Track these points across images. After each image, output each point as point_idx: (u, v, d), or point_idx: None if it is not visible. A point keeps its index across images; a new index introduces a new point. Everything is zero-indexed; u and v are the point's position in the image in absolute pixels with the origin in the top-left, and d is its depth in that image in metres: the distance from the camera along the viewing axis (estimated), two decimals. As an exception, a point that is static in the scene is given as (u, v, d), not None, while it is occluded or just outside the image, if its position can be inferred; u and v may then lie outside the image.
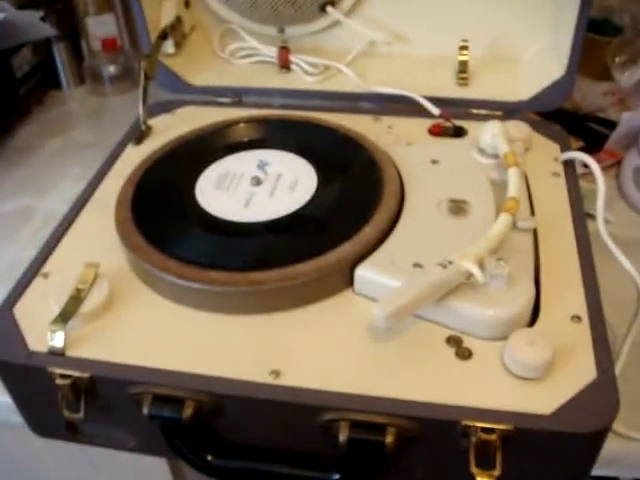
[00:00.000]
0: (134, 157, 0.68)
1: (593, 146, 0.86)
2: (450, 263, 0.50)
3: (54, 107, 1.03)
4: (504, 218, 0.53)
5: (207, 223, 0.57)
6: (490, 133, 0.62)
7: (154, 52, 0.73)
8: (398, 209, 0.58)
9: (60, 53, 1.04)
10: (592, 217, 0.62)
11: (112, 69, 1.03)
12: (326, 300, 0.53)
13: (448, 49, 0.78)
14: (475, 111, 0.74)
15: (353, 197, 0.59)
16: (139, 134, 0.72)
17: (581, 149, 0.84)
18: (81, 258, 0.56)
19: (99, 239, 0.60)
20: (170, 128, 0.73)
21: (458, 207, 0.58)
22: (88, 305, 0.52)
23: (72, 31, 1.03)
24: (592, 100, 0.91)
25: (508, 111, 0.74)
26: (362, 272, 0.53)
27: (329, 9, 0.78)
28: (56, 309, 0.52)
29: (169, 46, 0.78)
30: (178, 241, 0.56)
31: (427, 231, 0.56)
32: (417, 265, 0.52)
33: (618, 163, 0.83)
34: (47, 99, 1.05)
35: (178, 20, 0.79)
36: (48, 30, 0.96)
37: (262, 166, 0.63)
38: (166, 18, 0.78)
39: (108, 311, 0.53)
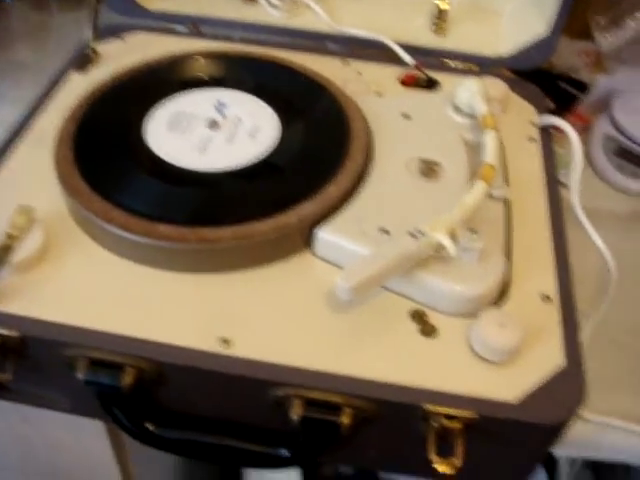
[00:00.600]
0: (78, 86, 0.62)
1: (562, 107, 0.83)
2: (421, 233, 0.46)
3: (-8, 22, 0.95)
4: (480, 186, 0.49)
5: (157, 169, 0.52)
6: (468, 91, 0.58)
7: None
8: (365, 166, 0.53)
9: (1, -39, 0.95)
10: (562, 184, 0.59)
11: (58, -17, 0.95)
12: (283, 261, 0.50)
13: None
14: (450, 63, 0.70)
15: (318, 150, 0.54)
16: (84, 59, 0.65)
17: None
18: (14, 199, 0.51)
19: (35, 179, 0.54)
20: (119, 56, 0.67)
21: (429, 168, 0.54)
22: (20, 254, 0.47)
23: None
24: (565, 58, 0.87)
25: (484, 66, 0.69)
26: (323, 234, 0.49)
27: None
28: (-14, 258, 0.46)
29: (123, -36, 0.71)
30: (124, 188, 0.51)
31: (395, 193, 0.52)
32: (383, 230, 0.49)
33: (586, 128, 0.80)
34: (-15, 13, 0.96)
35: None
36: None
37: (220, 108, 0.58)
38: None
39: (42, 262, 0.49)
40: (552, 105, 0.78)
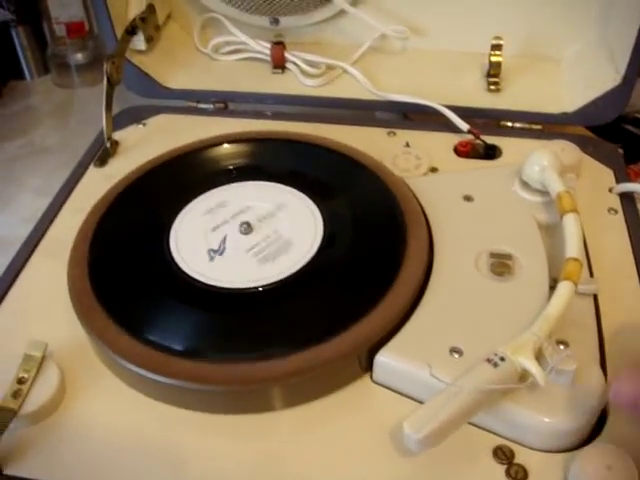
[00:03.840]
0: (96, 184, 0.56)
1: (630, 154, 0.74)
2: (502, 360, 0.38)
3: (14, 101, 0.90)
4: (566, 289, 0.41)
5: (187, 291, 0.45)
6: (537, 165, 0.50)
7: (120, 52, 0.60)
8: (426, 270, 0.45)
9: (20, 38, 0.90)
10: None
11: (79, 57, 0.90)
12: (335, 394, 0.42)
13: (475, 47, 0.65)
14: (509, 123, 0.62)
15: (369, 254, 0.46)
16: (103, 153, 0.59)
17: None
18: (27, 326, 0.46)
19: (49, 298, 0.48)
20: (141, 144, 0.61)
21: (502, 264, 0.46)
22: (33, 402, 0.41)
23: (32, 12, 0.89)
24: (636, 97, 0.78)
25: (547, 124, 0.61)
26: (384, 359, 0.41)
27: (334, -4, 0.65)
28: (-9, 411, 0.39)
29: (139, 42, 0.65)
30: (149, 317, 0.44)
31: (465, 300, 0.44)
32: (455, 350, 0.41)
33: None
34: (6, 91, 0.91)
35: (150, 9, 0.66)
36: (3, 14, 0.82)
37: (253, 205, 0.51)
38: (135, 7, 0.65)
39: (59, 406, 0.41)
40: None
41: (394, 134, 0.61)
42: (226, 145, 0.56)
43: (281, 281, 0.45)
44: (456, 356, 0.41)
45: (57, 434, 0.40)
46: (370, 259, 0.46)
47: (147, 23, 0.64)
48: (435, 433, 0.36)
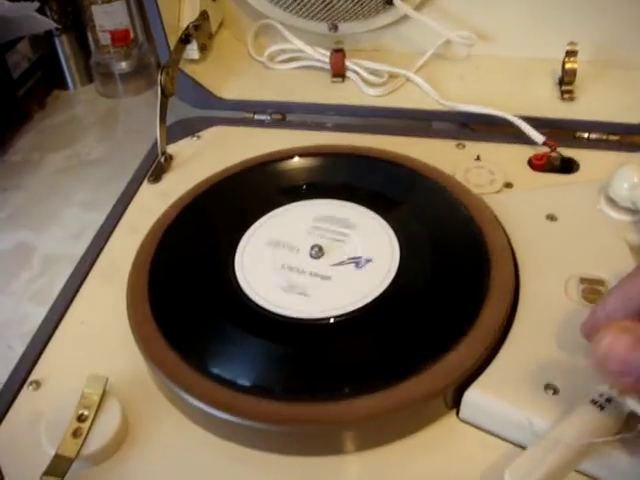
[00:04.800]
0: (151, 201, 0.54)
1: None
2: (608, 401, 0.34)
3: (57, 111, 0.88)
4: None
5: (255, 321, 0.42)
6: (628, 182, 0.46)
7: (174, 61, 0.57)
8: (514, 298, 0.42)
9: (63, 47, 0.88)
10: None
11: (124, 65, 0.88)
12: (416, 434, 0.38)
13: (545, 53, 0.62)
14: (584, 135, 0.58)
15: (452, 282, 0.43)
16: (157, 168, 0.56)
17: None
18: (83, 356, 0.43)
19: (106, 325, 0.45)
20: (196, 158, 0.58)
21: (593, 289, 0.43)
22: (94, 443, 0.38)
23: (76, 20, 0.87)
24: None
25: (627, 135, 0.57)
26: (474, 396, 0.38)
27: (397, 2, 0.61)
28: (50, 451, 0.37)
29: (193, 51, 0.62)
30: (214, 349, 0.40)
31: (556, 330, 0.40)
32: (550, 387, 0.37)
33: None
34: (49, 101, 0.89)
35: (203, 15, 0.63)
36: (47, 23, 0.80)
37: (324, 227, 0.47)
38: (189, 14, 0.62)
39: (121, 445, 0.38)
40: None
41: (463, 146, 0.58)
42: (297, 159, 0.52)
43: (357, 310, 0.41)
44: (551, 393, 0.37)
45: (120, 475, 0.38)
46: (453, 287, 0.43)
47: (200, 31, 0.61)
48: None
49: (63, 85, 0.91)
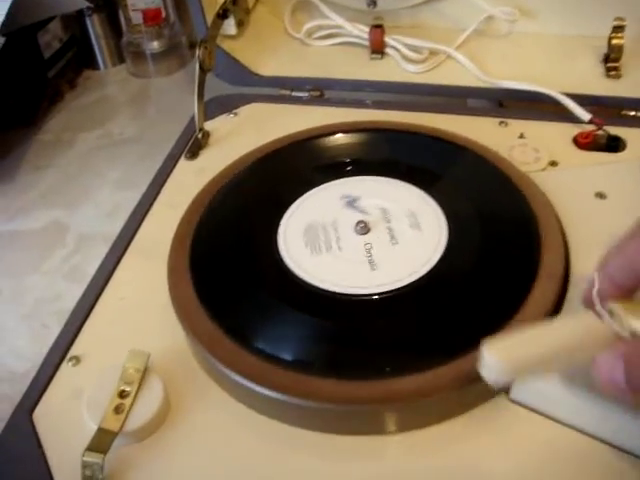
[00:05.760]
0: (188, 178, 0.53)
1: None
2: (611, 314, 0.33)
3: (88, 91, 0.87)
4: None
5: (298, 295, 0.41)
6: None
7: (212, 36, 0.56)
8: (565, 277, 0.40)
9: (94, 27, 0.87)
10: None
11: (155, 45, 0.87)
12: (467, 414, 0.37)
13: (589, 29, 0.60)
14: (630, 113, 0.56)
15: (502, 261, 0.42)
16: (195, 145, 0.55)
17: None
18: (123, 333, 0.42)
19: (146, 302, 0.45)
20: (233, 135, 0.57)
21: (647, 269, 0.41)
22: (136, 418, 0.37)
23: (108, 0, 0.86)
24: None
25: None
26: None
27: (437, -24, 0.60)
28: (92, 427, 0.36)
29: (230, 26, 0.61)
30: (257, 323, 0.40)
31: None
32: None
33: None
34: (80, 81, 0.88)
35: (240, -9, 0.62)
36: (79, 2, 0.79)
37: (369, 203, 0.46)
38: (225, -11, 0.61)
39: (163, 422, 0.38)
40: None
41: (506, 124, 0.56)
42: (340, 135, 0.51)
43: (404, 287, 0.40)
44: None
45: (162, 452, 0.37)
46: (503, 266, 0.41)
47: (237, 6, 0.60)
48: (518, 363, 0.32)
49: (94, 65, 0.90)
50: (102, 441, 0.36)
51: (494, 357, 0.32)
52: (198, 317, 0.40)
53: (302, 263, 0.42)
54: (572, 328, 0.33)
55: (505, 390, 0.37)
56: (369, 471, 0.35)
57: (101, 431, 0.36)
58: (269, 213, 0.46)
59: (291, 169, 0.50)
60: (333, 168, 0.49)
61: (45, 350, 0.51)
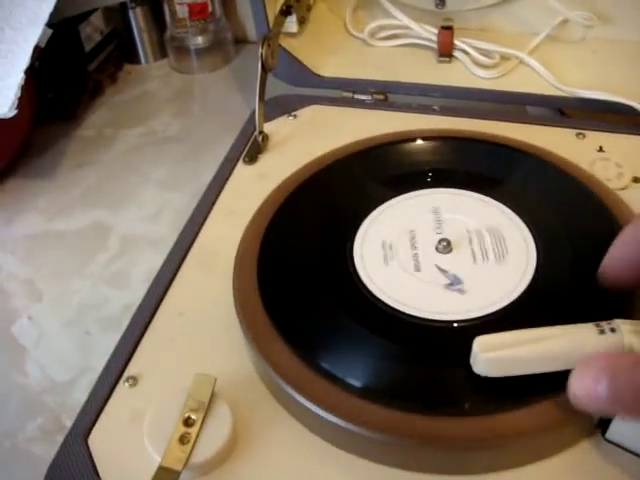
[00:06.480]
0: (247, 184, 0.50)
1: None
2: (612, 331, 0.33)
3: (130, 86, 0.84)
4: None
5: (383, 321, 0.37)
6: None
7: (275, 34, 0.53)
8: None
9: (137, 20, 0.84)
10: None
11: (200, 40, 0.83)
12: (559, 455, 0.34)
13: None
14: None
15: (593, 289, 0.38)
16: (254, 148, 0.52)
17: None
18: (184, 353, 0.39)
19: (207, 319, 0.42)
20: (293, 138, 0.54)
21: None
22: (203, 451, 0.34)
23: (152, -7, 0.83)
24: None
25: None
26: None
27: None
28: (155, 457, 0.33)
29: (291, 23, 0.57)
30: (334, 348, 0.36)
31: None
32: None
33: None
34: (121, 76, 0.85)
35: (302, -13, 0.58)
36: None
37: (452, 219, 0.43)
38: (286, -15, 0.57)
39: (232, 453, 0.35)
40: None
41: (583, 136, 0.53)
42: (420, 142, 0.48)
43: (494, 314, 0.37)
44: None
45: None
46: (594, 295, 0.38)
47: (300, 2, 0.57)
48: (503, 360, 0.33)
49: (135, 59, 0.87)
50: (166, 477, 0.33)
51: (483, 352, 0.33)
52: (270, 340, 0.37)
53: (380, 282, 0.39)
54: (568, 335, 0.33)
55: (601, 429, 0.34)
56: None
57: (164, 468, 0.33)
58: (342, 226, 0.43)
59: (364, 178, 0.46)
60: (409, 179, 0.46)
61: (88, 359, 0.49)
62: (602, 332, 0.33)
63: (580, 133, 0.53)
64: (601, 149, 0.51)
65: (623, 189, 0.48)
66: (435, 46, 0.59)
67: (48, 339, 0.53)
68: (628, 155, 0.50)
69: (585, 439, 0.35)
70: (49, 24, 0.67)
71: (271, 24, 0.54)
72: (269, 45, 0.51)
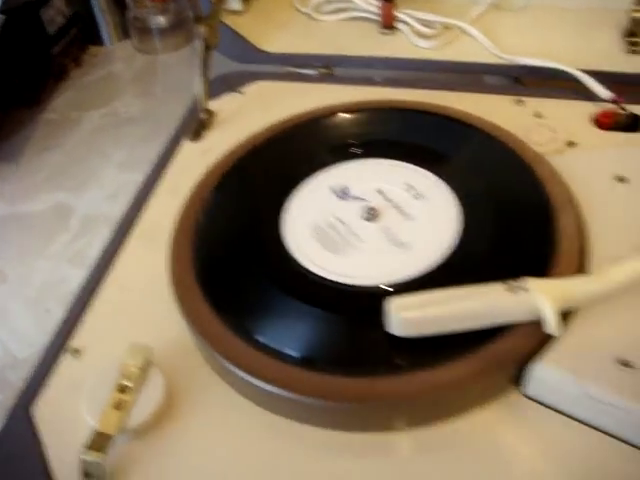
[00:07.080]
0: (192, 161, 0.51)
1: None
2: (524, 290, 0.34)
3: (94, 68, 0.85)
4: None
5: (304, 288, 0.39)
6: None
7: (216, 12, 0.54)
8: (582, 267, 0.39)
9: (99, 2, 0.85)
10: None
11: (162, 20, 0.84)
12: (480, 409, 0.36)
13: (611, 2, 0.57)
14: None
15: (516, 249, 0.40)
16: (198, 125, 0.53)
17: None
18: (124, 324, 0.41)
19: (148, 291, 0.43)
20: (239, 114, 0.55)
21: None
22: (137, 415, 0.35)
23: (112, -26, 0.84)
24: None
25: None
26: (542, 371, 0.35)
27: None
28: (91, 423, 0.35)
29: (235, 1, 0.58)
30: (262, 317, 0.38)
31: (630, 302, 0.37)
32: (622, 362, 0.34)
33: None
34: (86, 58, 0.86)
35: (246, -36, 0.59)
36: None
37: (377, 187, 0.44)
38: (230, -38, 0.58)
39: (165, 418, 0.36)
40: None
41: (522, 103, 0.54)
42: (343, 115, 0.49)
43: (419, 278, 0.39)
44: (624, 369, 0.34)
45: (163, 449, 0.36)
46: (517, 255, 0.39)
47: (242, -21, 0.58)
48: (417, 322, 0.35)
49: (99, 41, 0.88)
50: (101, 441, 0.34)
51: (396, 312, 0.34)
52: (202, 311, 0.38)
53: (308, 252, 0.41)
54: (479, 295, 0.35)
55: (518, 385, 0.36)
56: (379, 467, 0.34)
57: (99, 433, 0.34)
58: (273, 199, 0.44)
59: (297, 152, 0.48)
60: (339, 150, 0.47)
61: (48, 336, 0.50)
62: (511, 290, 0.35)
63: (519, 100, 0.54)
64: (539, 115, 0.52)
65: (558, 153, 0.49)
66: (378, 18, 0.60)
67: (10, 318, 0.54)
68: (564, 120, 0.51)
69: (504, 395, 0.36)
70: (7, 9, 0.68)
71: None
72: (209, 24, 0.52)
